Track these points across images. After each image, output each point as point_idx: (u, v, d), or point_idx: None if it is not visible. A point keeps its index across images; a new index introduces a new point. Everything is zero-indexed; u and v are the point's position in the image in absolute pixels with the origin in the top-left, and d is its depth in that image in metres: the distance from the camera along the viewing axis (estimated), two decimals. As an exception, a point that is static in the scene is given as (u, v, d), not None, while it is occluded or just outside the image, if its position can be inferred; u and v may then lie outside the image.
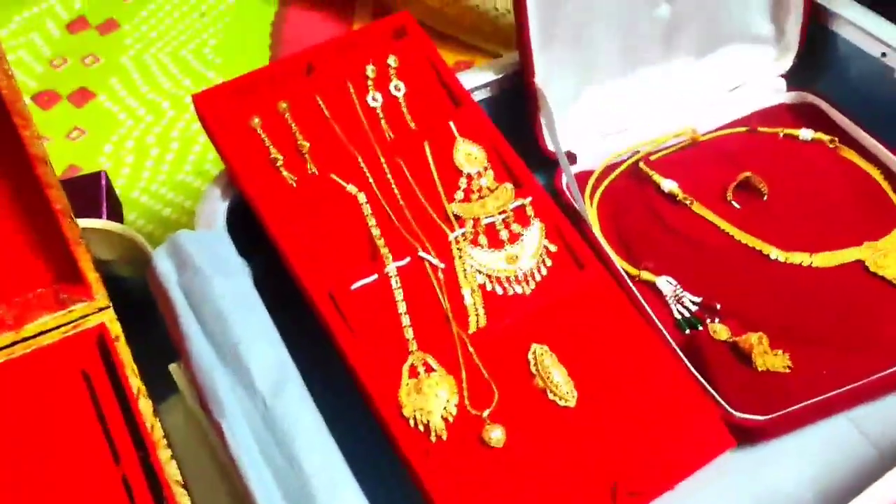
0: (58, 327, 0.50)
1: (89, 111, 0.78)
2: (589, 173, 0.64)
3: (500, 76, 0.63)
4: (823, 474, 0.47)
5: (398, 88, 0.57)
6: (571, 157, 0.64)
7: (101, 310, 0.51)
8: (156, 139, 0.76)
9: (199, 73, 0.82)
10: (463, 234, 0.52)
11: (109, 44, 0.85)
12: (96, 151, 0.75)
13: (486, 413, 0.47)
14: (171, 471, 0.44)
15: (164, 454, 0.45)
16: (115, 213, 0.64)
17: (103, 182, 0.63)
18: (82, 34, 0.86)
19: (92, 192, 0.62)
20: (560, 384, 0.47)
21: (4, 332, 0.49)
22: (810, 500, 0.46)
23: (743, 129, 0.66)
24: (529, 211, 0.54)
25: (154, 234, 0.69)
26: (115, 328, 0.50)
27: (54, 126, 0.77)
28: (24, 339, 0.49)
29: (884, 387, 0.49)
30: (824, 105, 0.65)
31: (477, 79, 0.62)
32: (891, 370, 0.49)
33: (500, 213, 0.53)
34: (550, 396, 0.47)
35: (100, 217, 0.61)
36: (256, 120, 0.55)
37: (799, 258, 0.56)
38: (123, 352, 0.49)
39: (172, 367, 0.53)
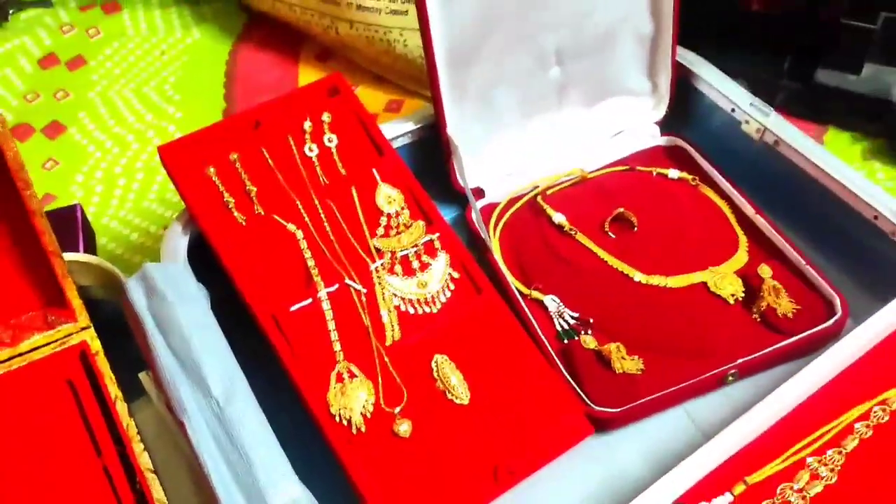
0: (47, 344, 0.61)
1: (61, 143, 0.88)
2: (495, 205, 0.76)
3: (419, 125, 0.74)
4: (659, 454, 0.60)
5: (331, 140, 0.69)
6: (480, 192, 0.76)
7: (83, 329, 0.61)
8: (122, 170, 0.86)
9: (160, 108, 0.92)
10: (382, 265, 0.64)
11: (78, 79, 0.95)
12: (69, 181, 0.85)
13: (397, 410, 0.59)
14: (144, 460, 0.56)
15: (137, 447, 0.56)
16: (89, 241, 0.75)
17: (78, 214, 0.73)
18: (53, 70, 0.96)
19: (69, 224, 0.72)
20: (456, 386, 0.60)
21: (2, 349, 0.60)
22: (647, 475, 0.59)
23: (624, 167, 0.79)
24: (437, 244, 0.66)
25: (123, 256, 0.79)
26: (95, 344, 0.61)
27: (30, 157, 0.86)
28: (19, 355, 0.60)
29: (710, 384, 0.62)
30: (689, 148, 0.78)
31: (399, 128, 0.73)
32: (716, 371, 0.62)
33: (412, 247, 0.65)
34: (449, 396, 0.60)
35: (76, 244, 0.71)
36: (212, 169, 0.66)
37: (657, 280, 0.69)
38: (102, 364, 0.60)
39: (142, 375, 0.63)
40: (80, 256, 0.63)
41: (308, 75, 0.95)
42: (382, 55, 0.90)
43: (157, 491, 0.54)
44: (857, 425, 0.56)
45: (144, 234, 0.81)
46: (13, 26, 0.99)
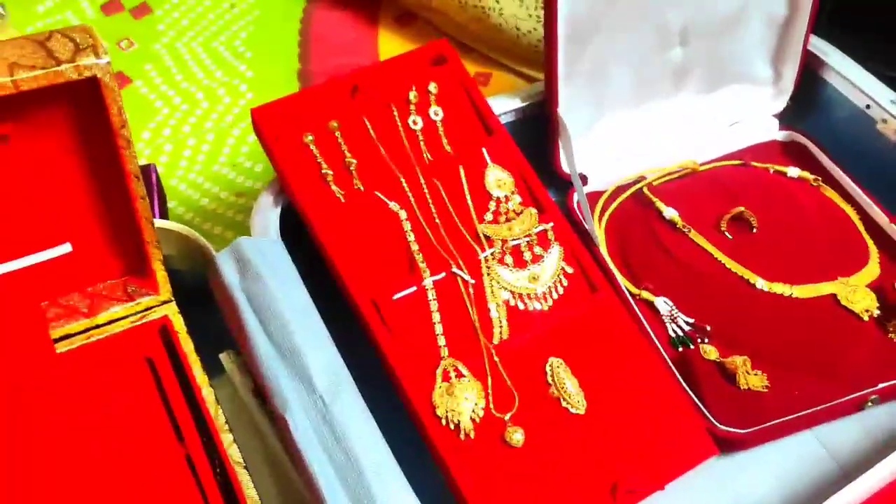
0: (126, 317, 0.56)
1: (127, 96, 0.82)
2: (598, 194, 0.70)
3: (526, 104, 0.68)
4: (789, 482, 0.55)
5: (437, 113, 0.63)
6: (584, 179, 0.70)
7: (164, 303, 0.56)
8: (191, 129, 0.80)
9: (230, 64, 0.86)
10: (492, 254, 0.58)
11: (143, 29, 0.89)
12: (136, 138, 0.79)
13: (507, 416, 0.53)
14: (234, 453, 0.51)
15: (226, 438, 0.51)
16: (162, 205, 0.69)
17: (154, 177, 0.68)
18: (116, 17, 0.90)
19: (144, 185, 0.66)
20: (573, 394, 0.54)
21: (79, 319, 0.55)
22: (774, 500, 0.54)
23: (738, 162, 0.73)
24: (550, 235, 0.60)
25: (193, 221, 0.73)
26: (178, 321, 0.56)
27: (92, 109, 0.81)
28: (97, 327, 0.55)
29: (845, 409, 0.57)
30: (811, 145, 0.72)
31: (505, 105, 0.68)
32: (851, 396, 0.57)
33: (524, 237, 0.60)
34: (564, 404, 0.54)
35: (152, 209, 0.66)
36: (309, 137, 0.60)
37: (781, 289, 0.63)
38: (186, 344, 0.55)
39: (223, 356, 0.58)
40: (167, 224, 0.57)
41: (388, 38, 0.89)
42: (474, 22, 0.83)
43: (248, 488, 0.49)
44: None
45: (216, 200, 0.75)
46: (74, -33, 0.93)
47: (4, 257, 0.51)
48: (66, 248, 0.53)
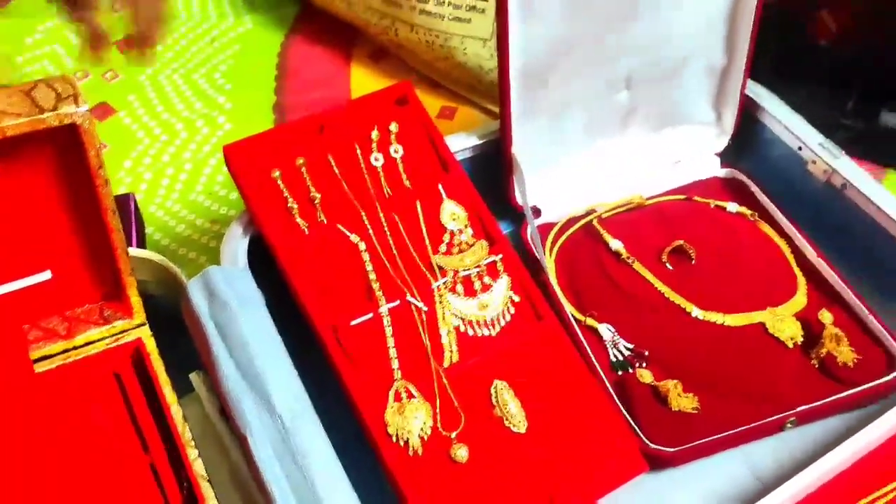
0: (101, 339, 0.60)
1: (110, 126, 0.87)
2: (551, 226, 0.75)
3: (482, 141, 0.73)
4: (714, 498, 0.60)
5: (397, 151, 0.68)
6: (537, 212, 0.75)
7: (138, 326, 0.61)
8: (170, 158, 0.85)
9: (209, 96, 0.91)
10: (444, 283, 0.63)
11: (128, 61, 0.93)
12: (117, 166, 0.83)
13: (454, 434, 0.58)
14: (199, 468, 0.55)
15: (192, 452, 0.55)
16: (140, 231, 0.73)
17: (132, 205, 0.72)
18: (102, 49, 0.94)
19: (123, 215, 0.70)
20: (514, 414, 0.59)
21: (57, 341, 0.59)
22: (702, 518, 0.58)
23: (681, 196, 0.78)
24: (499, 266, 0.65)
25: (170, 247, 0.78)
26: (151, 344, 0.60)
27: (77, 138, 0.85)
28: (74, 348, 0.59)
29: (766, 430, 0.62)
30: (750, 183, 0.77)
31: (463, 142, 0.72)
32: (772, 417, 0.61)
33: (475, 267, 0.64)
34: (506, 423, 0.59)
35: (129, 237, 0.70)
36: (277, 172, 0.64)
37: (714, 317, 0.68)
38: (157, 365, 0.59)
39: (192, 376, 0.62)
40: (143, 253, 0.62)
41: (360, 74, 0.94)
42: (440, 61, 0.89)
43: (211, 500, 0.53)
44: (919, 486, 0.56)
45: (192, 227, 0.80)
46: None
47: (-12, 283, 0.56)
48: (46, 275, 0.57)
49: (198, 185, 0.83)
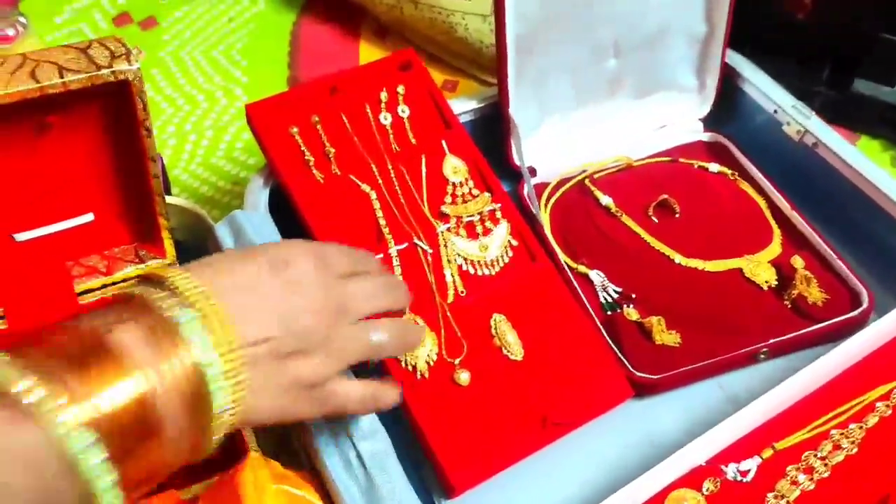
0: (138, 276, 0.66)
1: (135, 98, 0.93)
2: (545, 185, 0.81)
3: (482, 104, 0.79)
4: (692, 420, 0.65)
5: (404, 111, 0.74)
6: (533, 171, 0.81)
7: (169, 265, 0.67)
8: (192, 126, 0.91)
9: (227, 71, 0.97)
10: (448, 228, 0.69)
11: (150, 39, 0.99)
12: (142, 133, 0.89)
13: (457, 361, 0.64)
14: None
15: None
16: (168, 191, 0.80)
17: (160, 164, 0.78)
18: (126, 28, 1.00)
19: (153, 171, 0.77)
20: (512, 343, 0.65)
21: (98, 277, 0.65)
22: (679, 438, 0.64)
23: (667, 159, 0.84)
24: (499, 214, 0.71)
25: (193, 206, 0.84)
26: (182, 281, 0.66)
27: (104, 108, 0.91)
28: (113, 283, 0.65)
29: (741, 361, 0.68)
30: (730, 145, 0.83)
31: (464, 105, 0.78)
32: (746, 349, 0.67)
33: (477, 214, 0.70)
34: (504, 352, 0.65)
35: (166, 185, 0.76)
36: (294, 129, 0.71)
37: (695, 263, 0.74)
38: (188, 299, 0.65)
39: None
40: (176, 200, 0.68)
41: (368, 50, 1.00)
42: (442, 36, 0.95)
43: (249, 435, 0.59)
44: (878, 404, 0.62)
45: (213, 188, 0.86)
46: (88, -17, 1.04)
47: (37, 223, 0.61)
48: (89, 217, 0.63)
49: (218, 151, 0.89)
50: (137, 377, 0.37)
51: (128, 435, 0.36)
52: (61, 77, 0.52)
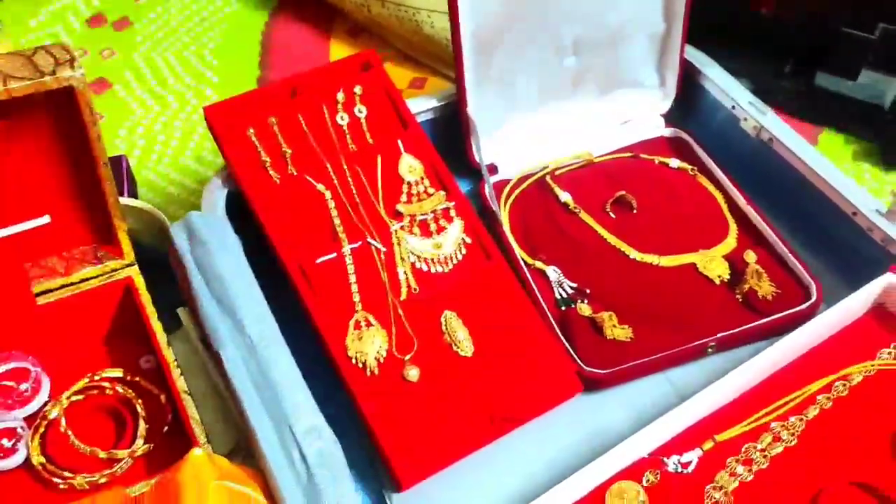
0: (96, 277, 0.67)
1: (106, 99, 0.94)
2: (506, 182, 0.82)
3: (442, 103, 0.80)
4: (641, 414, 0.66)
5: (361, 111, 0.75)
6: (494, 169, 0.82)
7: (128, 265, 0.68)
8: (162, 127, 0.92)
9: (199, 71, 0.98)
10: (401, 227, 0.70)
11: (123, 39, 1.01)
12: (112, 134, 0.91)
13: (407, 357, 0.65)
14: (181, 384, 0.63)
15: (175, 372, 0.63)
16: (133, 190, 0.81)
17: (124, 165, 0.79)
18: (100, 29, 1.02)
19: (116, 173, 0.78)
20: (462, 340, 0.66)
21: (57, 278, 0.66)
22: (627, 431, 0.64)
23: (628, 154, 0.85)
24: (452, 213, 0.72)
25: (160, 206, 0.84)
26: (139, 281, 0.68)
27: (77, 110, 0.93)
28: (71, 284, 0.67)
29: (690, 355, 0.68)
30: (691, 140, 0.84)
31: (423, 105, 0.79)
32: (695, 343, 0.68)
33: (431, 212, 0.71)
34: (454, 348, 0.66)
35: (122, 192, 0.78)
36: (251, 130, 0.72)
37: (650, 259, 0.75)
38: (145, 298, 0.67)
39: (180, 311, 0.70)
40: (132, 201, 0.69)
41: (339, 49, 1.01)
42: (410, 34, 0.96)
43: (191, 409, 0.61)
44: (818, 397, 0.63)
45: (180, 188, 0.87)
46: (64, -15, 1.05)
47: (-4, 226, 0.63)
48: (45, 219, 0.65)
49: (187, 151, 0.90)
50: None
51: None
52: (5, 84, 0.53)
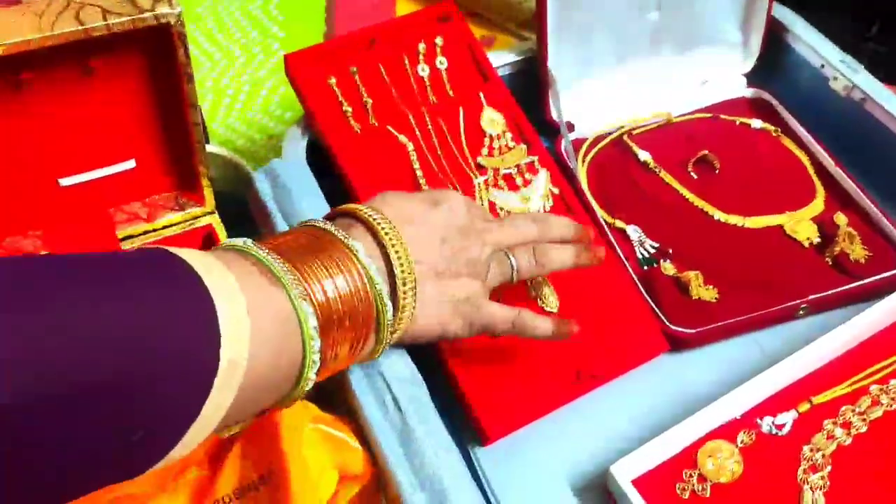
0: (178, 223, 0.67)
1: (173, 52, 0.93)
2: (583, 140, 0.80)
3: (520, 58, 0.78)
4: (728, 376, 0.64)
5: (442, 63, 0.73)
6: (570, 126, 0.80)
7: (209, 213, 0.68)
8: (229, 81, 0.91)
9: (264, 26, 0.97)
10: (485, 180, 0.69)
11: (188, -6, 1.00)
12: (181, 87, 0.90)
13: (492, 311, 0.64)
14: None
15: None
16: (206, 139, 0.80)
17: (200, 113, 0.79)
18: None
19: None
20: (547, 295, 0.65)
21: (140, 223, 0.66)
22: (716, 392, 0.63)
23: (708, 115, 0.82)
24: (537, 165, 0.71)
25: (229, 159, 0.84)
26: (220, 229, 0.67)
27: (144, 62, 0.92)
28: (154, 230, 0.66)
29: (780, 317, 0.67)
30: (774, 101, 0.82)
31: (502, 59, 0.78)
32: (786, 304, 0.67)
33: (514, 166, 0.70)
34: (539, 304, 0.65)
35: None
36: (333, 79, 0.70)
37: (735, 220, 0.73)
38: (227, 246, 0.66)
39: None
40: (214, 148, 0.68)
41: (404, 4, 0.99)
42: (481, -9, 0.94)
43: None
44: (919, 361, 0.61)
45: (249, 141, 0.86)
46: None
47: (80, 169, 0.62)
48: (130, 164, 0.64)
49: (255, 105, 0.89)
50: (355, 277, 0.47)
51: (329, 318, 0.45)
52: (105, 19, 0.52)
